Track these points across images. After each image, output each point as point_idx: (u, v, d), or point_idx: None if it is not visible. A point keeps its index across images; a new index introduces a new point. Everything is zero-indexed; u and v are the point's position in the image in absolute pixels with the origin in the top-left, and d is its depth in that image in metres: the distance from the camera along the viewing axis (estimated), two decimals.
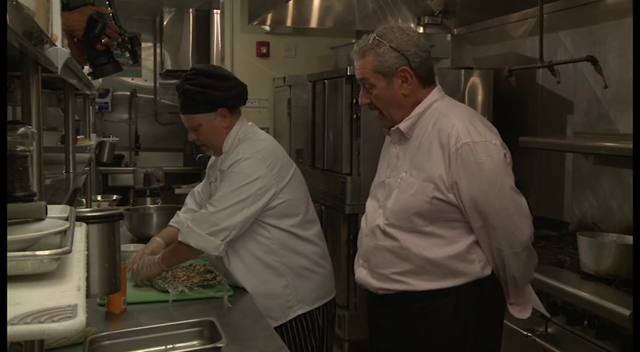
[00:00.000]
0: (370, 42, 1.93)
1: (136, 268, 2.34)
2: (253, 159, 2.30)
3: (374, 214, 2.01)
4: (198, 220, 2.29)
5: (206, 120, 2.36)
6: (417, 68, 1.92)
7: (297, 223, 2.37)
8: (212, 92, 2.33)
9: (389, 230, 1.94)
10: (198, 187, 2.74)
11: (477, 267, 1.91)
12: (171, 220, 2.68)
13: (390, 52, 1.90)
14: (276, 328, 2.27)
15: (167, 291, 2.24)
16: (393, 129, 1.99)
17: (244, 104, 2.46)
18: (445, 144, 1.84)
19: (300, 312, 2.35)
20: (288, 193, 2.34)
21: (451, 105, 1.99)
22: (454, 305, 1.91)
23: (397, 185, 1.94)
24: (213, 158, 2.59)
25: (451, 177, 1.84)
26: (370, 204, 2.07)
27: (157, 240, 2.51)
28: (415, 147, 1.93)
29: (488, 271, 1.94)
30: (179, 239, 2.32)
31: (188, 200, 2.74)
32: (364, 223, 2.06)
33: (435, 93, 1.98)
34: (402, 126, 1.96)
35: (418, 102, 1.96)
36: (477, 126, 1.88)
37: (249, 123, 2.48)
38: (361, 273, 2.05)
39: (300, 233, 2.37)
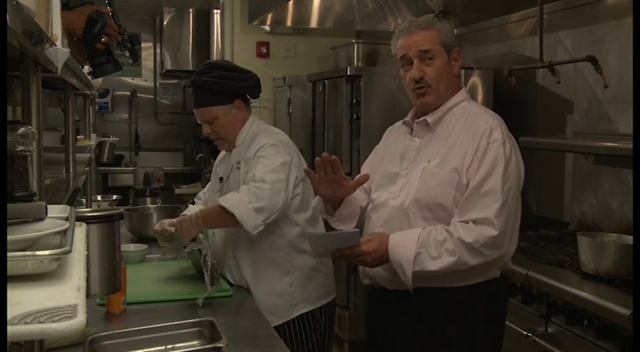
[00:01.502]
0: (431, 18, 2.00)
1: (179, 230, 2.26)
2: (278, 146, 2.34)
3: (386, 206, 2.00)
4: (246, 191, 2.25)
5: (222, 112, 2.39)
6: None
7: (309, 218, 2.40)
8: (229, 83, 2.37)
9: (410, 218, 1.92)
10: (205, 189, 2.75)
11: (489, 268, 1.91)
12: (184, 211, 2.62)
13: (449, 31, 1.99)
14: (279, 326, 2.29)
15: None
16: (418, 120, 2.01)
17: (259, 96, 2.50)
18: (478, 138, 1.88)
19: (303, 311, 2.37)
20: (304, 186, 2.38)
21: (480, 106, 2.08)
22: (465, 304, 1.91)
23: (418, 175, 1.93)
24: (221, 155, 2.60)
25: (475, 163, 1.86)
26: (381, 196, 2.04)
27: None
28: (441, 141, 1.95)
29: (497, 273, 1.94)
30: (223, 204, 2.24)
31: (196, 200, 2.75)
32: (375, 216, 2.04)
33: (463, 93, 2.04)
34: (430, 118, 1.98)
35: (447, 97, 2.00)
36: (506, 130, 1.93)
37: (260, 121, 2.51)
38: None
39: (309, 229, 2.38)
